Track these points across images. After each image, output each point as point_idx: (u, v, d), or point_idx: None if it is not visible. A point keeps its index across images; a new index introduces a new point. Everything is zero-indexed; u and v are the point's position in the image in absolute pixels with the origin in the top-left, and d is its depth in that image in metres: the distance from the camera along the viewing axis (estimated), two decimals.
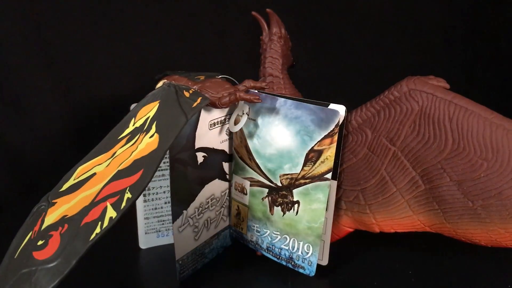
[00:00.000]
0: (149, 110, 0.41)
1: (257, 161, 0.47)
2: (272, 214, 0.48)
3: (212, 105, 0.44)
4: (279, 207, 0.47)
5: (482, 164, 0.37)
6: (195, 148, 0.45)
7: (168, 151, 0.43)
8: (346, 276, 0.48)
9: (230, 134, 0.49)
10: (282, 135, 0.45)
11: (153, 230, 0.53)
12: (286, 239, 0.47)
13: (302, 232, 0.46)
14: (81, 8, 0.67)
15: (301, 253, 0.47)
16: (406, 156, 0.41)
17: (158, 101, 0.42)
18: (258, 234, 0.50)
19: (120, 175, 0.36)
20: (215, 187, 0.50)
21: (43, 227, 0.35)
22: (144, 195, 0.52)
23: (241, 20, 0.74)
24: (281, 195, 0.47)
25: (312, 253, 0.46)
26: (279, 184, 0.46)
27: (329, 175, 0.43)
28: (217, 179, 0.50)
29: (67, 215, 0.35)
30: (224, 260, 0.51)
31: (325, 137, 0.42)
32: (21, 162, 0.66)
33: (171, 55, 0.73)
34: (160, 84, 0.45)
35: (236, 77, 0.49)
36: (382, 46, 0.84)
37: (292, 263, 0.48)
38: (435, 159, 0.39)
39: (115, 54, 0.70)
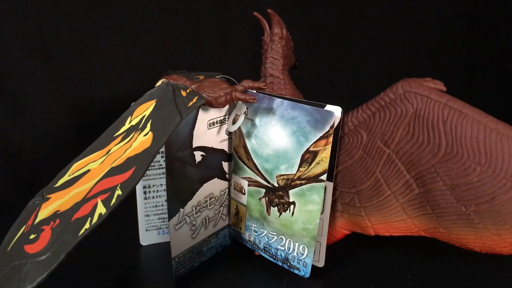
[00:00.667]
0: (146, 108, 0.42)
1: (255, 161, 0.48)
2: (269, 215, 0.48)
3: (209, 104, 0.44)
4: (276, 207, 0.47)
5: (475, 169, 0.36)
6: (193, 147, 0.46)
7: (165, 149, 0.44)
8: (342, 278, 0.47)
9: (230, 133, 0.49)
10: (279, 136, 0.45)
11: (154, 227, 0.54)
12: (282, 239, 0.47)
13: (297, 233, 0.46)
14: (81, 8, 0.67)
15: (297, 254, 0.47)
16: (401, 159, 0.40)
17: (155, 100, 0.42)
18: (256, 234, 0.50)
19: (112, 172, 0.37)
20: (214, 186, 0.50)
21: (36, 221, 0.36)
22: (145, 193, 0.53)
23: (241, 20, 0.74)
24: (278, 195, 0.47)
25: (307, 255, 0.46)
26: (276, 185, 0.46)
27: (324, 177, 0.43)
28: (216, 178, 0.50)
29: (59, 210, 0.36)
30: (222, 259, 0.52)
31: (321, 138, 0.42)
32: (21, 162, 0.67)
33: (171, 55, 0.73)
34: (159, 83, 0.46)
35: (236, 77, 0.49)
36: (382, 46, 0.84)
37: (288, 264, 0.48)
38: (428, 162, 0.38)
39: (115, 54, 0.71)
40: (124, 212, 0.55)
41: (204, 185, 0.49)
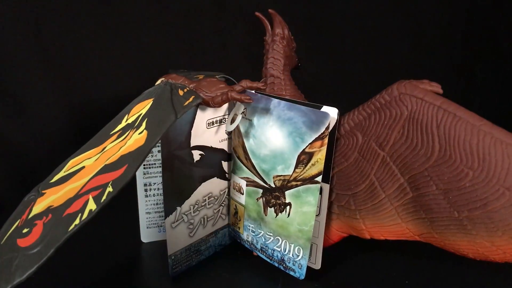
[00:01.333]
0: (143, 107, 0.42)
1: (253, 161, 0.47)
2: (266, 215, 0.48)
3: (206, 104, 0.44)
4: (272, 208, 0.47)
5: (468, 173, 0.35)
6: (191, 146, 0.46)
7: (162, 148, 0.44)
8: (338, 281, 0.47)
9: (230, 133, 0.50)
10: (276, 136, 0.45)
11: (155, 225, 0.54)
12: (279, 240, 0.47)
13: (293, 235, 0.46)
14: (81, 8, 0.68)
15: (292, 255, 0.46)
16: (395, 162, 0.39)
17: (152, 99, 0.43)
18: (253, 234, 0.50)
19: (106, 169, 0.38)
20: (214, 186, 0.50)
21: (30, 216, 0.37)
22: (146, 190, 0.53)
23: (241, 20, 0.74)
24: (274, 196, 0.46)
25: (302, 256, 0.46)
26: (273, 185, 0.46)
27: (319, 178, 0.43)
28: (216, 178, 0.50)
29: (52, 206, 0.37)
30: (220, 258, 0.52)
31: (316, 139, 0.42)
32: (21, 162, 0.67)
33: (171, 55, 0.73)
34: (158, 82, 0.46)
35: (236, 77, 0.49)
36: (382, 46, 0.83)
37: (284, 265, 0.47)
38: (422, 166, 0.38)
39: (115, 54, 0.71)
40: (126, 210, 0.56)
41: (203, 184, 0.49)
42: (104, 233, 0.56)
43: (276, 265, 0.48)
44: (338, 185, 0.44)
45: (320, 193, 0.44)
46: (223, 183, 0.51)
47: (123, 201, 0.57)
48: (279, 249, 0.48)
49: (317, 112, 0.42)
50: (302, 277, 0.46)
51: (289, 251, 0.47)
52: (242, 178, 0.49)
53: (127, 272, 0.50)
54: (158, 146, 0.50)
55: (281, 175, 0.45)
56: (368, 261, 0.50)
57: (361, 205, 0.43)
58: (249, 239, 0.51)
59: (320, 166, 0.42)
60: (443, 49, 0.83)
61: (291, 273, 0.47)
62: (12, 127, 0.67)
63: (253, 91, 0.47)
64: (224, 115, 0.48)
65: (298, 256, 0.46)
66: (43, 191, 0.39)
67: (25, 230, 0.36)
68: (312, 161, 0.43)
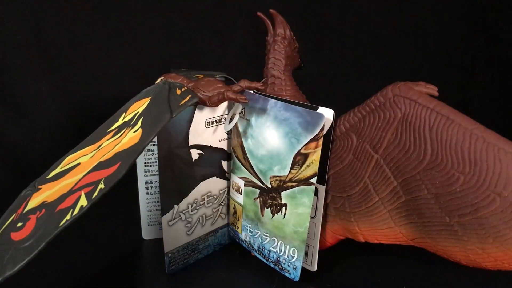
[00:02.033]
0: (140, 105, 0.43)
1: (251, 161, 0.47)
2: (262, 216, 0.48)
3: (203, 103, 0.44)
4: (269, 208, 0.47)
5: (459, 178, 0.34)
6: (189, 145, 0.46)
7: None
8: (334, 284, 0.46)
9: (229, 133, 0.50)
10: (272, 137, 0.45)
11: (156, 222, 0.55)
12: (275, 241, 0.47)
13: (288, 236, 0.46)
14: (81, 8, 0.68)
15: (287, 256, 0.46)
16: (388, 165, 0.39)
17: (150, 97, 0.43)
18: (251, 234, 0.50)
19: (99, 166, 0.38)
20: (213, 185, 0.50)
21: (25, 210, 0.38)
22: (147, 188, 0.54)
23: (241, 20, 0.74)
24: (271, 196, 0.46)
25: (297, 258, 0.45)
26: (269, 186, 0.46)
27: (314, 180, 0.42)
28: (215, 177, 0.50)
29: (47, 201, 0.37)
30: (218, 257, 0.52)
31: (311, 140, 0.42)
32: (21, 162, 0.68)
33: (171, 55, 0.74)
34: (158, 81, 0.47)
35: (236, 77, 0.49)
36: (382, 47, 0.82)
37: (279, 266, 0.47)
38: (414, 169, 0.37)
39: (115, 54, 0.72)
40: (127, 207, 0.57)
41: (202, 183, 0.49)
42: (106, 229, 0.57)
43: (272, 266, 0.48)
44: (334, 187, 0.44)
45: (316, 194, 0.44)
46: (223, 183, 0.51)
47: (124, 199, 0.59)
48: (275, 250, 0.47)
49: (312, 113, 0.41)
50: (297, 279, 0.46)
51: (285, 252, 0.46)
52: (240, 178, 0.49)
53: (126, 268, 0.51)
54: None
55: (278, 176, 0.45)
56: (364, 264, 0.49)
57: (355, 208, 0.42)
58: (247, 239, 0.51)
59: (315, 168, 0.42)
60: (443, 49, 0.82)
61: (286, 274, 0.47)
62: (12, 127, 0.68)
63: (252, 91, 0.47)
64: (223, 115, 0.48)
65: (293, 257, 0.46)
66: (39, 187, 0.40)
67: (19, 224, 0.37)
68: (307, 162, 0.42)
